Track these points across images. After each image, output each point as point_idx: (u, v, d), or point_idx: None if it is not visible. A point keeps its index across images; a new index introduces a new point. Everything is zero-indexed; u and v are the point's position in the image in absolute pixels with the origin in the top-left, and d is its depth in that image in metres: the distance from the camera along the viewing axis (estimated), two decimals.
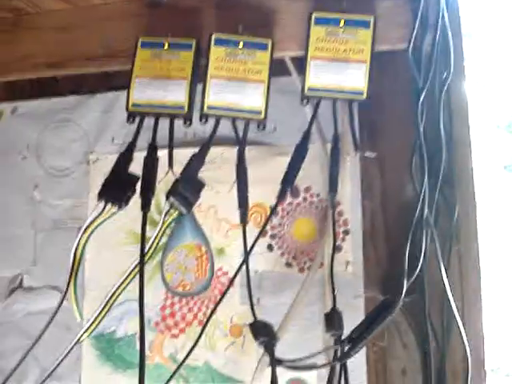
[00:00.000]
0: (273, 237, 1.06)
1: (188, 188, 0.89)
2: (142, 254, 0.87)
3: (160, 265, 1.08)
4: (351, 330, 0.87)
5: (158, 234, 0.91)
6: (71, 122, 1.15)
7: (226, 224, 1.07)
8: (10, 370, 1.15)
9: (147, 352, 1.05)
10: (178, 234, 1.08)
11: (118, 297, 0.99)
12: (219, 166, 1.06)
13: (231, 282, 0.90)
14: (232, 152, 1.06)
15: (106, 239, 1.08)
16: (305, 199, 1.06)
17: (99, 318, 0.95)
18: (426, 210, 0.81)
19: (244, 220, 0.91)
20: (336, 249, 0.97)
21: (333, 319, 0.87)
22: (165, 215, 0.89)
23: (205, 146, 0.92)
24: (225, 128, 0.98)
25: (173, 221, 0.91)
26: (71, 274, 0.90)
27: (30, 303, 1.16)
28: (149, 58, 0.94)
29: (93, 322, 0.93)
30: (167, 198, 0.89)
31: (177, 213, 0.90)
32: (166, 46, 0.94)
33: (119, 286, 0.93)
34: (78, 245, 0.89)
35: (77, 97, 1.16)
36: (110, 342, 1.09)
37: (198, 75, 0.94)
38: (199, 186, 0.90)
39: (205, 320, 1.05)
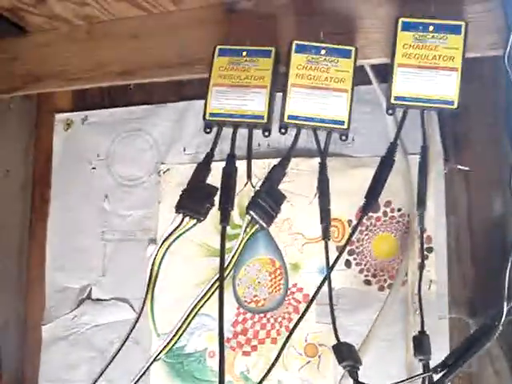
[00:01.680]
0: (351, 253, 1.01)
1: (268, 201, 0.85)
2: (222, 270, 0.84)
3: (232, 279, 1.05)
4: (444, 355, 0.81)
5: (237, 249, 0.86)
6: (142, 132, 1.13)
7: (302, 238, 1.03)
8: (76, 382, 1.15)
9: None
10: (251, 247, 1.05)
11: (196, 314, 0.95)
12: (294, 178, 1.02)
13: (312, 299, 0.86)
14: (307, 163, 1.03)
15: (177, 250, 1.04)
16: (385, 214, 1.00)
17: (177, 336, 0.91)
18: None
19: (326, 235, 0.86)
20: (419, 267, 0.92)
21: (422, 343, 0.82)
22: (245, 229, 0.85)
23: (286, 156, 0.88)
24: (300, 138, 0.95)
25: (252, 235, 0.87)
26: (148, 289, 0.87)
27: (98, 315, 1.14)
28: (226, 66, 0.90)
29: (170, 341, 0.90)
30: (247, 211, 0.85)
31: (255, 227, 0.86)
32: (244, 54, 0.90)
33: (198, 302, 0.89)
34: (155, 259, 0.86)
35: (148, 106, 1.14)
36: (179, 358, 1.06)
37: (277, 84, 0.90)
38: (280, 198, 0.86)
39: (278, 338, 1.02)
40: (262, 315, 1.04)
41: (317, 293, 0.89)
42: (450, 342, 0.93)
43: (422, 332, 0.83)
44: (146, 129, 1.13)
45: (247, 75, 0.89)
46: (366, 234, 1.01)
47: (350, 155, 1.03)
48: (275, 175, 0.87)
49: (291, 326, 0.99)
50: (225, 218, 0.85)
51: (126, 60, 1.05)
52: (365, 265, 1.00)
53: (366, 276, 1.00)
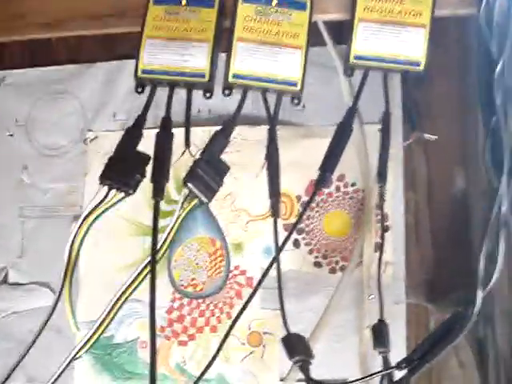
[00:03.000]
0: (300, 231, 0.91)
1: (209, 172, 0.74)
2: (154, 250, 0.72)
3: (167, 261, 0.94)
4: (401, 343, 0.73)
5: (172, 227, 0.75)
6: (67, 94, 1.00)
7: (246, 215, 0.93)
8: None
9: None
10: (189, 225, 0.93)
11: (126, 300, 0.84)
12: (238, 148, 0.92)
13: (259, 283, 0.75)
14: (253, 132, 0.92)
15: (105, 228, 0.92)
16: (338, 189, 0.91)
17: (103, 325, 0.79)
18: (504, 208, 0.66)
19: (276, 212, 0.76)
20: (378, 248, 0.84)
21: (381, 333, 0.73)
22: (182, 204, 0.74)
23: (230, 121, 0.77)
24: (245, 104, 0.84)
25: (190, 212, 0.76)
26: (66, 271, 0.75)
27: (15, 301, 1.00)
28: (163, 16, 0.78)
29: (96, 331, 0.78)
30: (184, 183, 0.73)
31: (193, 202, 0.75)
32: (183, 3, 0.78)
33: (128, 287, 0.77)
34: (74, 237, 0.74)
35: (74, 66, 1.00)
36: (107, 349, 0.94)
37: (221, 41, 0.79)
38: (223, 169, 0.75)
39: (218, 326, 0.92)
40: (200, 301, 0.93)
41: (264, 276, 0.79)
42: (407, 329, 0.85)
43: (381, 321, 0.75)
44: (71, 91, 1.00)
45: (187, 27, 0.78)
46: (317, 211, 0.91)
47: (301, 124, 0.93)
48: (217, 143, 0.76)
49: (233, 312, 0.89)
50: (158, 192, 0.74)
51: (51, 10, 0.90)
52: (315, 245, 0.91)
53: (316, 257, 0.91)
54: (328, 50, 0.88)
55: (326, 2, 0.81)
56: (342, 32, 0.89)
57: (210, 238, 0.94)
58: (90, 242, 0.93)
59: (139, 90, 0.79)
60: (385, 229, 0.88)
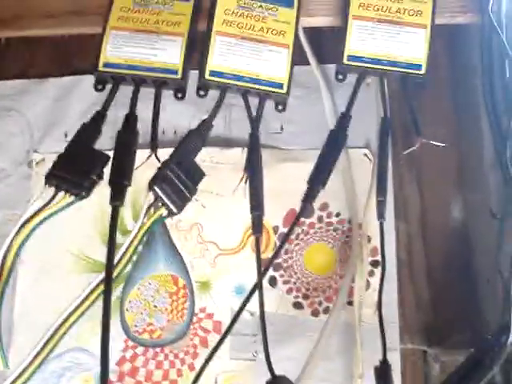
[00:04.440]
0: (277, 268, 0.79)
1: (181, 176, 0.62)
2: (109, 271, 0.59)
3: (119, 302, 0.79)
4: None
5: (130, 245, 0.62)
6: (13, 112, 0.88)
7: (214, 249, 0.80)
8: None
9: None
10: (146, 260, 0.80)
11: (58, 342, 0.69)
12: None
13: (230, 327, 0.63)
14: (224, 155, 0.81)
15: (47, 263, 0.79)
16: (320, 219, 0.80)
17: (27, 372, 0.65)
18: None
19: (257, 230, 0.64)
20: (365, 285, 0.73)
21: (386, 376, 0.60)
22: (145, 214, 0.61)
23: (207, 119, 0.66)
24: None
25: (152, 226, 0.63)
26: None
27: None
28: (130, 7, 0.69)
29: (18, 377, 0.63)
30: (150, 187, 0.61)
31: (158, 212, 0.62)
32: None
33: (61, 325, 0.63)
34: (9, 246, 0.60)
35: (23, 81, 0.89)
36: None
37: (196, 35, 0.70)
38: (197, 174, 0.64)
39: (179, 380, 0.77)
40: (158, 349, 0.78)
41: (235, 319, 0.67)
42: (401, 379, 0.73)
43: (385, 362, 0.62)
44: (18, 109, 0.87)
45: (158, 19, 0.69)
46: (297, 244, 0.80)
47: (278, 147, 0.83)
48: (191, 143, 0.65)
49: (197, 363, 0.75)
50: (117, 196, 0.62)
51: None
52: (294, 283, 0.79)
53: (295, 297, 0.78)
54: (310, 67, 0.80)
55: (313, 2, 0.73)
56: (322, 50, 0.82)
57: (172, 275, 0.80)
58: (29, 279, 0.79)
59: (99, 87, 0.69)
60: (374, 264, 0.78)
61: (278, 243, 0.79)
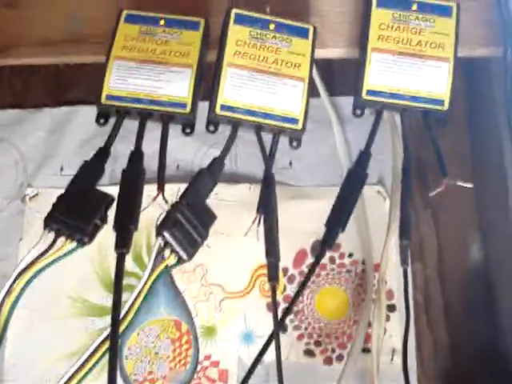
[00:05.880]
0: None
1: (192, 219, 0.57)
2: (115, 325, 0.54)
3: (119, 349, 0.74)
4: None
5: (138, 294, 0.57)
6: (5, 143, 0.83)
7: (220, 292, 0.75)
8: None
9: None
10: (147, 304, 0.75)
11: None
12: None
13: (247, 375, 0.57)
14: (230, 192, 0.78)
15: (41, 307, 0.73)
16: (332, 260, 0.76)
17: None
18: None
19: (275, 277, 0.60)
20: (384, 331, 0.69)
21: None
22: (154, 260, 0.57)
23: (219, 157, 0.62)
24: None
25: (160, 275, 0.58)
26: None
27: None
28: (136, 36, 0.65)
29: None
30: (159, 233, 0.57)
31: (169, 260, 0.58)
32: (162, 23, 0.66)
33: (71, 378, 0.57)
34: (6, 296, 0.55)
35: (17, 110, 0.84)
36: None
37: (205, 67, 0.66)
38: (209, 217, 0.59)
39: None
40: None
41: (251, 370, 0.62)
42: None
43: None
44: (11, 140, 0.83)
45: (165, 49, 0.64)
46: (307, 287, 0.75)
47: (287, 183, 0.79)
48: (202, 183, 0.60)
49: None
50: (123, 241, 0.56)
51: None
52: (306, 328, 0.74)
53: (307, 344, 0.74)
54: (318, 100, 0.77)
55: (328, 33, 0.70)
56: (333, 82, 0.79)
57: (175, 320, 0.75)
58: (22, 324, 0.74)
59: (101, 120, 0.64)
60: (390, 309, 0.73)
61: (287, 285, 0.75)
